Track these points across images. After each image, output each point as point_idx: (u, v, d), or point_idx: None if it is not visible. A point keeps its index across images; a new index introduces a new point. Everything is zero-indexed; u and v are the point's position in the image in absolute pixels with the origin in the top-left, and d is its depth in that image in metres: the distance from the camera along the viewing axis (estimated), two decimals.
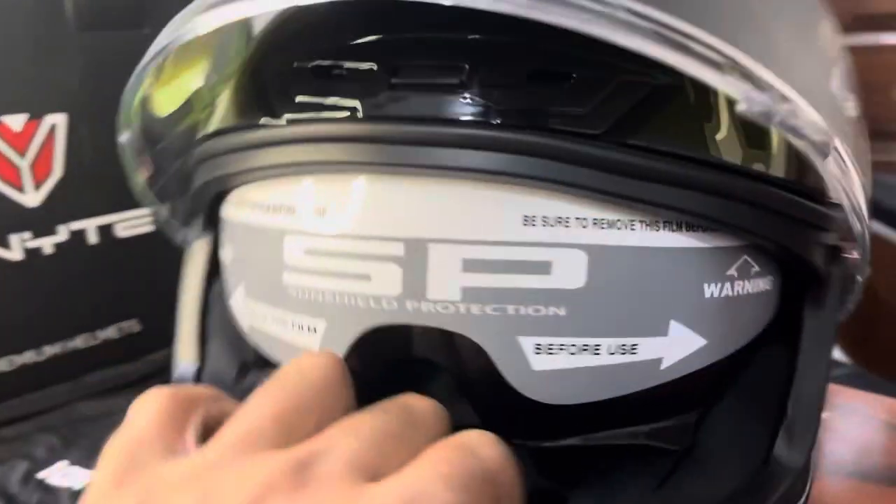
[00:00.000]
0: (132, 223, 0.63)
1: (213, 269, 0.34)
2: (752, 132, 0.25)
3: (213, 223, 0.34)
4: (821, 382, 0.26)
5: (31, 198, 0.58)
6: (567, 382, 0.24)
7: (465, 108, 0.23)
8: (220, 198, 0.32)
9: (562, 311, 0.23)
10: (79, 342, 0.62)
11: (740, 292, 0.25)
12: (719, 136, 0.24)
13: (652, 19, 0.18)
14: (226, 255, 0.31)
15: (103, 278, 0.63)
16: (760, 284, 0.26)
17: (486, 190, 0.23)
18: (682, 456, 0.27)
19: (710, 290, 0.25)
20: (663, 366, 0.24)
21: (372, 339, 0.25)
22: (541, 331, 0.23)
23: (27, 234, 0.58)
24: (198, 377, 0.32)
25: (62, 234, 0.60)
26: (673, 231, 0.24)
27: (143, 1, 0.61)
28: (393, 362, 0.29)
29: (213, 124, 0.32)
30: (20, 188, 0.57)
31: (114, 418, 0.57)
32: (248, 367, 0.33)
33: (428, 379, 0.29)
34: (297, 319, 0.26)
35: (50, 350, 0.60)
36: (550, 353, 0.24)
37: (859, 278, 0.31)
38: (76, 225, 0.60)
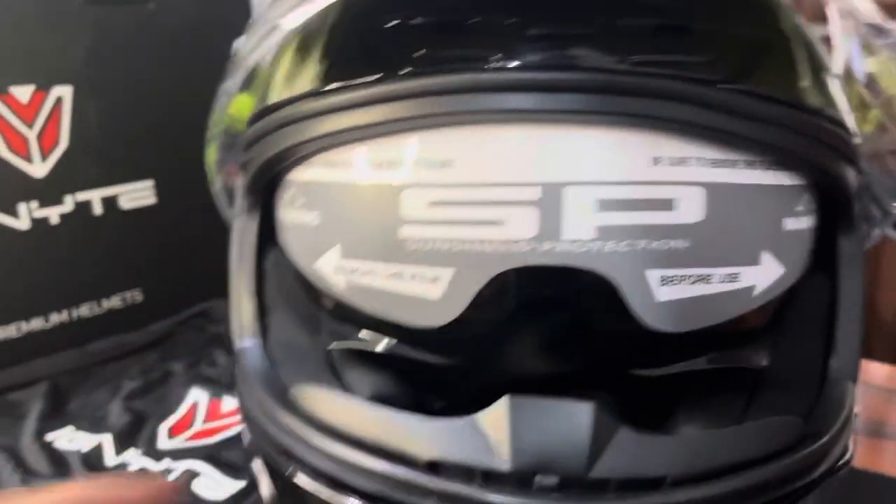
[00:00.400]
0: (136, 195, 0.65)
1: (264, 242, 0.33)
2: (819, 79, 0.29)
3: (266, 194, 0.33)
4: (858, 301, 0.29)
5: (39, 168, 0.59)
6: (684, 311, 0.26)
7: (599, 56, 0.25)
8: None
9: (684, 244, 0.25)
10: (84, 311, 0.63)
11: (804, 226, 0.29)
12: (802, 84, 0.28)
13: None
14: (306, 219, 0.30)
15: (108, 249, 0.64)
16: (812, 220, 0.29)
17: (618, 133, 0.25)
18: (759, 377, 0.30)
19: (787, 224, 0.28)
20: (755, 293, 0.27)
21: (496, 283, 0.26)
22: (666, 263, 0.25)
23: (34, 204, 0.59)
24: (264, 349, 0.32)
25: (68, 204, 0.61)
26: (765, 170, 0.26)
27: None
28: (511, 308, 0.31)
29: (279, 93, 0.31)
30: (28, 158, 0.58)
31: (117, 381, 0.59)
32: (321, 330, 0.33)
33: (541, 319, 0.32)
34: (418, 271, 0.27)
35: (56, 318, 0.62)
36: (672, 284, 0.26)
37: (888, 208, 0.35)
38: (82, 195, 0.61)
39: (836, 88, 0.29)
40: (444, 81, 0.25)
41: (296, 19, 0.27)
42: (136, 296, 0.66)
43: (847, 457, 0.27)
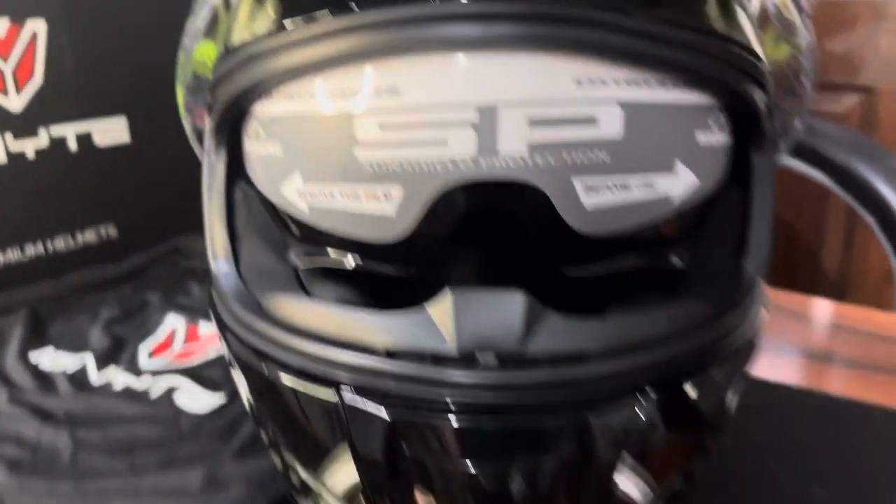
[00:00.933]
0: (111, 132, 0.66)
1: (232, 176, 0.36)
2: (728, 9, 0.32)
3: (232, 131, 0.35)
4: (768, 209, 0.33)
5: (14, 101, 0.60)
6: (607, 216, 0.30)
7: None
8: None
9: (605, 156, 0.29)
10: (59, 243, 0.65)
11: (717, 142, 0.32)
12: (711, 12, 0.31)
13: None
14: (270, 149, 0.33)
15: (83, 184, 0.66)
16: (724, 138, 0.33)
17: (545, 58, 0.28)
18: (681, 276, 0.35)
19: (699, 138, 0.32)
20: (673, 201, 0.31)
21: (443, 199, 0.29)
22: (590, 173, 0.29)
23: (9, 136, 0.60)
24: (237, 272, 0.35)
25: (43, 138, 0.62)
26: (677, 88, 0.30)
27: None
28: (457, 221, 0.35)
29: (240, 35, 0.33)
30: (3, 91, 0.59)
31: (96, 309, 0.61)
32: (288, 253, 0.37)
33: (485, 232, 0.36)
34: (372, 189, 0.30)
35: (32, 250, 0.63)
36: (596, 192, 0.29)
37: (798, 126, 0.38)
38: (56, 130, 0.63)
39: (744, 18, 0.33)
40: (391, 14, 0.28)
41: None
42: (110, 230, 0.68)
43: (756, 341, 0.32)
